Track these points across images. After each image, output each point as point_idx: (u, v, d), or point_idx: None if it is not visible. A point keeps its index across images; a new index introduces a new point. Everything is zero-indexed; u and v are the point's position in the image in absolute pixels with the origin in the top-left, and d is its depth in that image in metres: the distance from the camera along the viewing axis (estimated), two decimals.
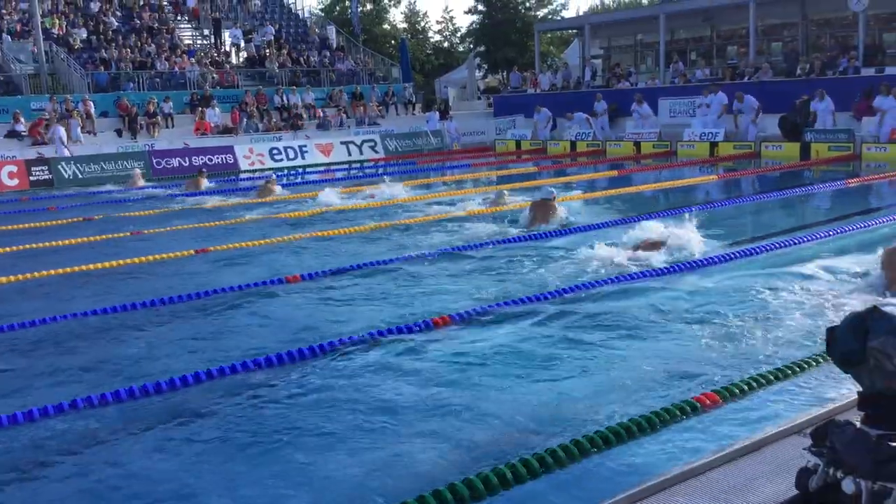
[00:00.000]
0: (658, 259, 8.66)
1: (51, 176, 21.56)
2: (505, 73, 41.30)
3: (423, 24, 54.10)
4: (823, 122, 20.21)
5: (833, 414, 3.85)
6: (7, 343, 6.81)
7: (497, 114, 31.08)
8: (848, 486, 2.65)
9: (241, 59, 32.49)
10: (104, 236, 12.15)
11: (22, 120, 23.81)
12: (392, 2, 52.54)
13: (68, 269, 9.48)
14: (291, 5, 38.09)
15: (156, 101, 26.15)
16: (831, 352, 2.85)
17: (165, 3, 33.69)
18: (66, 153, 22.68)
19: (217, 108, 27.05)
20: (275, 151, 25.16)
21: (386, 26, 51.88)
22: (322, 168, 24.46)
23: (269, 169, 23.84)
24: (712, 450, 3.74)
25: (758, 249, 9.08)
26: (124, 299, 7.96)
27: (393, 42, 46.90)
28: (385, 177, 17.51)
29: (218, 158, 24.07)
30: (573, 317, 6.83)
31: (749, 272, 8.06)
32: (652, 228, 9.57)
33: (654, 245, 9.04)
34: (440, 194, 16.02)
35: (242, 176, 22.94)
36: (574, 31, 37.20)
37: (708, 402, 4.72)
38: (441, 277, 8.62)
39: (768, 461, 3.49)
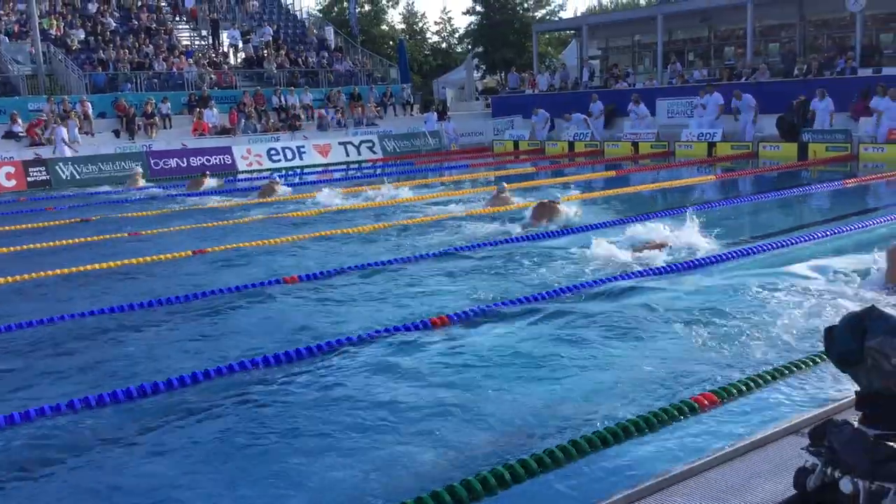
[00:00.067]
0: (660, 261, 8.67)
1: (48, 177, 21.54)
2: (503, 74, 41.34)
3: (421, 24, 54.17)
4: (822, 121, 20.24)
5: (831, 414, 3.86)
6: (4, 344, 6.80)
7: (495, 114, 31.10)
8: (846, 485, 2.65)
9: (238, 60, 32.47)
10: (102, 237, 12.13)
11: (19, 121, 23.80)
12: (390, 3, 52.58)
13: (66, 270, 9.47)
14: (289, 6, 38.10)
15: (154, 101, 26.15)
16: (829, 351, 2.85)
17: (163, 3, 33.69)
18: (69, 153, 22.69)
19: (215, 109, 27.04)
20: (273, 152, 25.15)
21: (384, 27, 51.91)
22: (320, 169, 24.46)
23: (268, 169, 23.88)
24: (710, 450, 3.74)
25: (755, 249, 9.08)
26: (122, 300, 7.96)
27: (391, 43, 46.91)
28: (384, 178, 17.52)
29: (216, 159, 24.05)
30: (571, 316, 6.83)
31: (747, 272, 8.06)
32: (654, 230, 9.59)
33: (657, 247, 9.06)
34: (438, 194, 16.02)
35: (242, 176, 22.93)
36: (572, 31, 37.22)
37: (706, 402, 4.72)
38: (440, 278, 8.62)
39: (766, 461, 3.49)
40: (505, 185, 13.97)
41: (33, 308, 7.83)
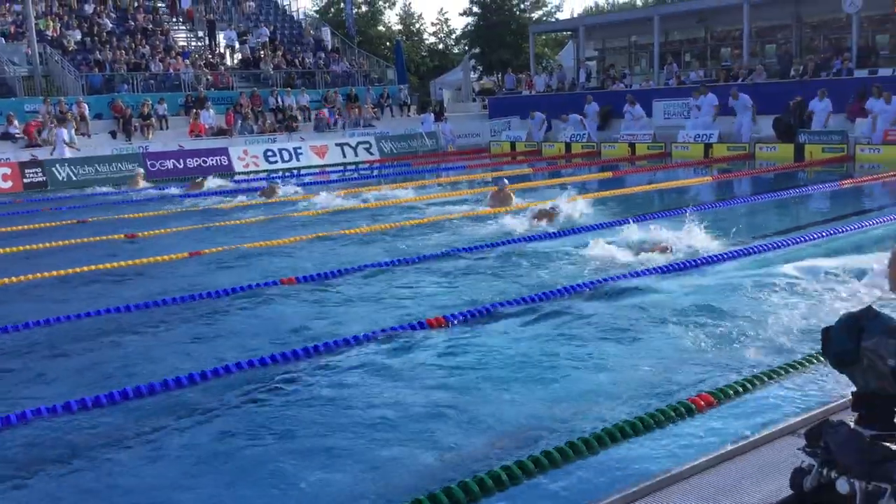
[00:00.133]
0: (659, 262, 8.67)
1: (44, 178, 21.52)
2: (500, 75, 41.40)
3: (418, 25, 54.21)
4: (819, 121, 20.28)
5: (827, 414, 3.87)
6: (1, 345, 6.79)
7: (492, 115, 31.12)
8: (842, 486, 2.65)
9: (235, 61, 32.45)
10: (98, 238, 12.11)
11: (15, 122, 23.76)
12: (387, 4, 52.59)
13: (63, 272, 9.45)
14: (286, 7, 38.09)
15: (150, 102, 26.12)
16: (826, 352, 2.86)
17: (160, 4, 33.66)
18: (69, 154, 22.69)
19: (211, 110, 27.01)
20: (269, 153, 25.14)
21: (381, 28, 51.90)
22: (317, 170, 24.45)
23: (265, 171, 23.92)
24: (707, 451, 3.75)
25: (752, 250, 9.09)
26: (119, 301, 7.94)
27: (388, 44, 46.94)
28: (381, 179, 17.54)
29: (212, 160, 24.04)
30: (567, 317, 6.83)
31: (744, 273, 8.07)
32: (652, 231, 9.62)
33: (660, 249, 9.08)
34: (435, 196, 16.02)
35: (239, 178, 22.91)
36: (568, 32, 37.25)
37: (703, 403, 4.72)
38: (437, 279, 8.62)
39: (763, 462, 3.49)
40: (506, 181, 14.00)
41: (30, 309, 7.81)
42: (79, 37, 29.04)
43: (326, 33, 36.02)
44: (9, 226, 13.99)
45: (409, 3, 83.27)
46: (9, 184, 20.93)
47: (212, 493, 4.12)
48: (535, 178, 20.34)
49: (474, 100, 39.30)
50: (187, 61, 29.58)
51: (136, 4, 32.55)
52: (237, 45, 32.52)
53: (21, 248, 11.40)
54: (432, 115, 30.92)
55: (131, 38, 29.80)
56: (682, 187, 16.57)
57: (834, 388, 4.70)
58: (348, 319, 7.12)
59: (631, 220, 10.25)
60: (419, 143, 28.22)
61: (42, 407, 5.13)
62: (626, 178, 19.45)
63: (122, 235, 12.26)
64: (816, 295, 7.02)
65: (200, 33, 33.23)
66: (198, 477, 4.30)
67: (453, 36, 53.69)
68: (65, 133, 23.12)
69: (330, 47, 34.93)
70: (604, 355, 5.89)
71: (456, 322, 6.78)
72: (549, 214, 11.65)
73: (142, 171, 21.65)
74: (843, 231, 10.11)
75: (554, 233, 10.82)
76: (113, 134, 25.33)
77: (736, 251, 8.98)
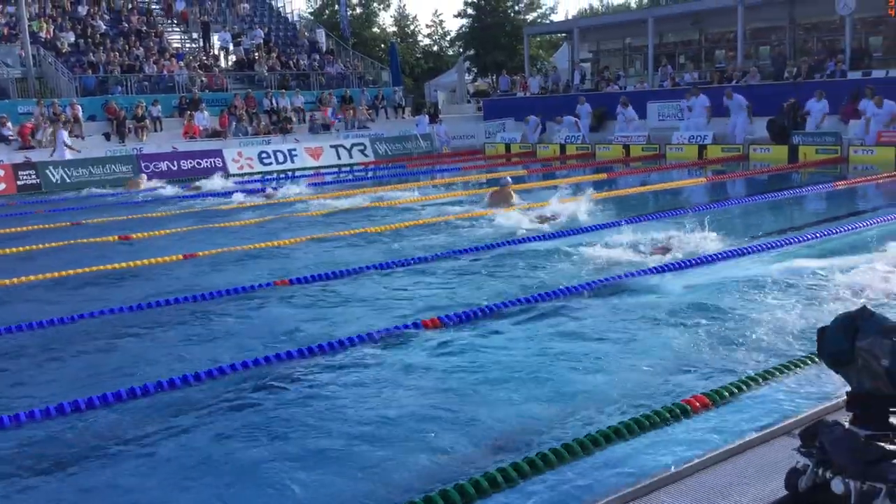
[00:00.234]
0: (656, 264, 8.68)
1: (38, 180, 21.45)
2: (494, 77, 41.33)
3: (412, 27, 54.23)
4: (815, 121, 20.34)
5: (822, 414, 3.87)
6: None
7: (486, 117, 31.11)
8: (837, 486, 2.66)
9: (229, 63, 32.41)
10: (93, 240, 12.07)
11: (9, 124, 23.69)
12: (382, 6, 52.61)
13: (56, 274, 9.42)
14: (280, 9, 38.05)
15: (144, 104, 26.07)
16: (821, 351, 2.86)
17: (154, 6, 33.61)
18: (69, 155, 22.65)
19: (206, 112, 26.96)
20: (264, 155, 25.11)
21: (375, 30, 51.93)
22: (311, 172, 24.42)
23: (259, 172, 23.88)
24: (703, 451, 3.75)
25: (747, 251, 9.10)
26: (112, 304, 7.92)
27: (382, 46, 46.93)
28: (376, 181, 17.55)
29: (206, 162, 23.99)
30: (562, 318, 6.83)
31: (738, 274, 8.08)
32: (654, 234, 9.65)
33: (661, 251, 9.09)
34: (430, 197, 16.01)
35: (234, 180, 22.86)
36: (563, 34, 37.31)
37: (698, 404, 4.72)
38: (433, 279, 8.61)
39: (758, 462, 3.49)
40: (509, 179, 13.98)
41: (23, 311, 7.78)
42: (72, 38, 28.97)
43: (321, 35, 36.00)
44: (3, 228, 13.93)
45: (404, 5, 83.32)
46: (2, 186, 20.85)
47: (206, 495, 4.11)
48: (529, 179, 20.34)
49: (469, 101, 39.31)
50: (181, 63, 29.53)
51: (129, 6, 32.50)
52: (231, 47, 32.48)
53: (16, 249, 11.36)
54: (427, 116, 30.91)
55: (125, 40, 29.74)
56: (677, 189, 16.59)
57: (829, 389, 4.70)
58: (343, 321, 7.11)
59: (629, 221, 10.27)
60: (414, 144, 28.21)
61: (35, 410, 5.11)
62: (620, 179, 19.47)
63: (116, 237, 12.23)
64: (810, 296, 7.03)
65: (195, 35, 33.19)
66: (191, 479, 4.28)
67: (448, 38, 53.75)
68: (65, 135, 23.08)
69: (324, 49, 34.91)
70: (599, 356, 5.89)
71: (451, 323, 6.77)
72: (549, 220, 11.68)
73: (145, 177, 21.66)
74: (837, 232, 10.13)
75: (549, 234, 10.81)
76: (107, 136, 25.27)
77: (729, 252, 8.99)
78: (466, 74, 44.48)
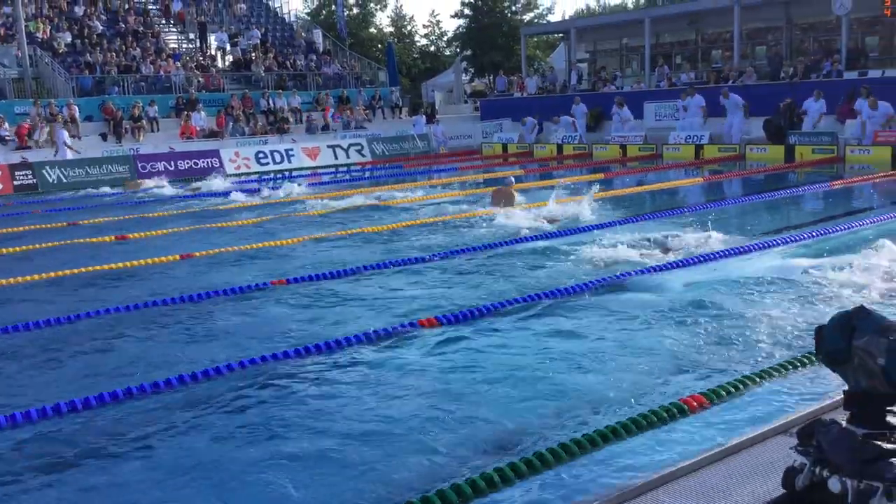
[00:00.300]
0: (655, 263, 8.68)
1: (35, 181, 21.43)
2: (491, 77, 41.42)
3: (409, 28, 54.24)
4: (812, 121, 20.37)
5: (819, 413, 3.88)
6: None
7: (484, 117, 31.13)
8: (834, 484, 2.66)
9: (226, 63, 32.40)
10: (90, 240, 12.06)
11: (6, 125, 23.65)
12: (378, 6, 52.59)
13: (52, 274, 9.41)
14: (277, 9, 38.05)
15: (141, 105, 26.06)
16: (818, 350, 2.87)
17: (151, 6, 33.57)
18: (70, 155, 22.62)
19: (203, 112, 26.95)
20: (261, 155, 25.10)
21: (372, 30, 51.94)
22: (308, 172, 24.41)
23: (256, 173, 23.87)
24: (700, 450, 3.75)
25: (744, 250, 9.12)
26: (109, 304, 7.91)
27: (380, 46, 46.92)
28: (373, 180, 17.56)
29: (203, 162, 23.98)
30: (559, 318, 6.83)
31: (736, 274, 8.08)
32: (648, 232, 9.67)
33: (663, 251, 9.10)
34: (427, 197, 16.01)
35: (231, 180, 22.85)
36: (560, 34, 37.34)
37: (695, 403, 4.73)
38: (432, 279, 8.61)
39: (755, 461, 3.50)
40: (512, 179, 13.97)
41: (20, 312, 7.77)
42: (69, 39, 28.95)
43: (318, 35, 36.00)
44: (1, 228, 13.92)
45: (401, 6, 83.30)
46: None
47: (205, 495, 4.10)
48: (526, 179, 20.35)
49: (466, 102, 39.32)
50: (178, 63, 29.51)
51: (126, 6, 32.48)
52: (228, 47, 32.47)
53: (12, 249, 11.34)
54: (424, 116, 30.92)
55: (122, 41, 29.72)
56: (674, 189, 16.61)
57: (826, 388, 4.71)
58: (341, 320, 7.11)
59: (627, 221, 10.28)
60: (411, 144, 28.22)
61: (32, 410, 5.10)
62: (617, 179, 19.49)
63: (113, 237, 12.21)
64: (807, 295, 7.04)
65: (191, 35, 33.17)
66: (190, 479, 4.27)
67: (445, 38, 53.79)
68: (65, 134, 23.07)
69: (321, 49, 34.91)
70: (596, 356, 5.89)
71: (448, 322, 6.77)
72: (556, 220, 11.70)
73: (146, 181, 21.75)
74: (833, 231, 10.15)
75: (547, 234, 10.82)
76: (103, 136, 25.25)
77: (726, 252, 9.00)
78: (463, 75, 44.50)
